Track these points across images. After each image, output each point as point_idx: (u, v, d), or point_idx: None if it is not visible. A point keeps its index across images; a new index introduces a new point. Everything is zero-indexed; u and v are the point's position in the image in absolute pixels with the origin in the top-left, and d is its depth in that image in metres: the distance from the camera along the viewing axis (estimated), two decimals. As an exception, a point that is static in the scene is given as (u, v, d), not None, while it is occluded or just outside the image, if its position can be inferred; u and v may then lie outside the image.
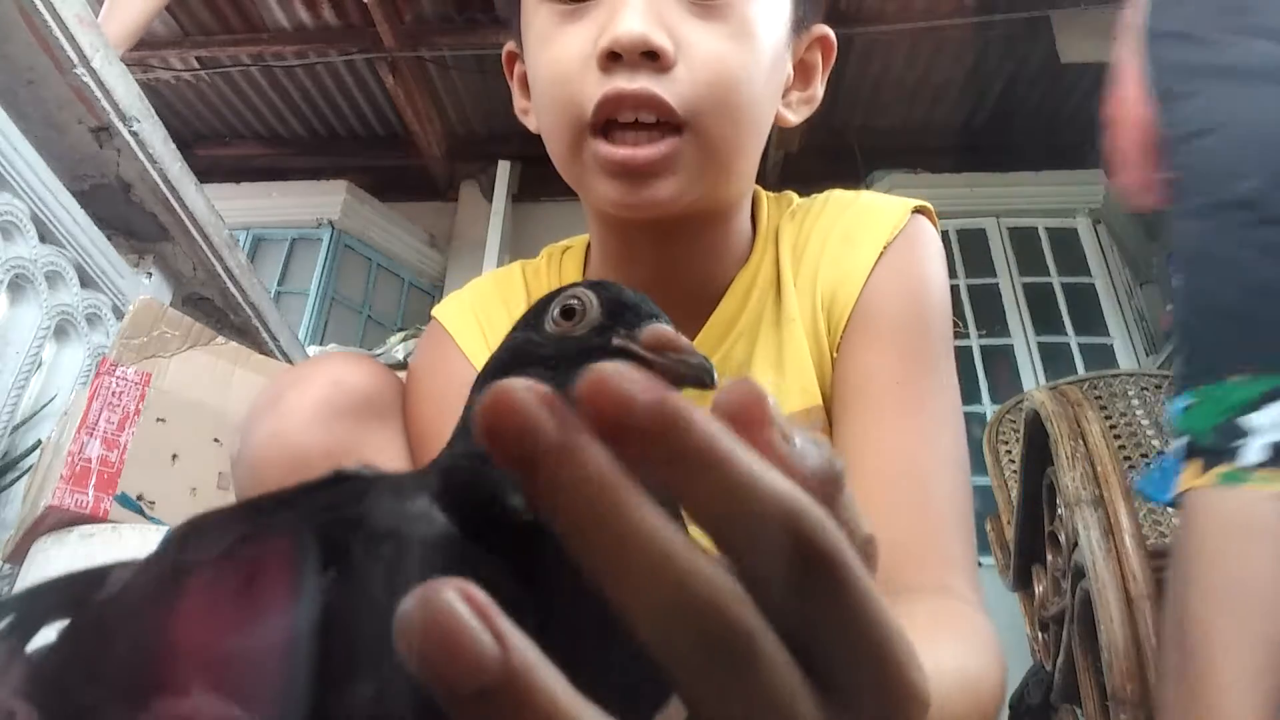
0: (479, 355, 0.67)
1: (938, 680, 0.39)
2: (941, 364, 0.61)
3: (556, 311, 0.29)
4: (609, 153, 0.56)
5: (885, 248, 0.64)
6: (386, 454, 0.66)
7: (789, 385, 0.63)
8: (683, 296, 0.65)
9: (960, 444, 0.59)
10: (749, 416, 0.19)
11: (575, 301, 0.29)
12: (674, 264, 0.64)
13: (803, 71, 0.67)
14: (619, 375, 0.18)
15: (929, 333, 0.62)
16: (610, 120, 0.57)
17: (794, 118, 0.66)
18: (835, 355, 0.63)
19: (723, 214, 0.64)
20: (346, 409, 0.64)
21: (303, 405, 0.63)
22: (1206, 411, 0.84)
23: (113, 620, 0.23)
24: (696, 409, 0.18)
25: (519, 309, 0.70)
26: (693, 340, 0.64)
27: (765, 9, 0.60)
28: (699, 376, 0.25)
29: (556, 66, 0.58)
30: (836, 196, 0.70)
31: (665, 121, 0.56)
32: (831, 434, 0.62)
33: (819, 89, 0.68)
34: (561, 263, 0.73)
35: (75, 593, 0.24)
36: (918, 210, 0.66)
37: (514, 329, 0.32)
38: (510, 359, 0.30)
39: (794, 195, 0.72)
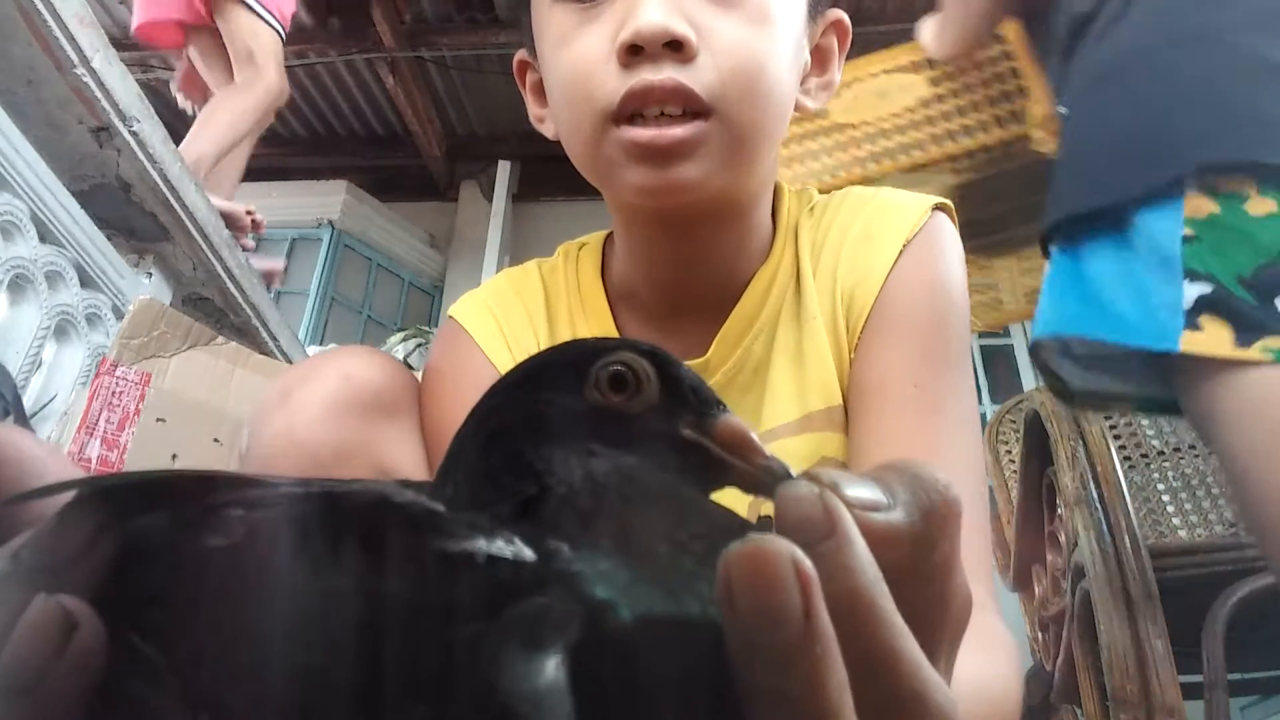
0: (499, 354, 0.67)
1: (958, 693, 0.39)
2: (959, 366, 0.61)
3: (604, 379, 0.25)
4: (636, 134, 0.55)
5: (905, 246, 0.63)
6: (399, 451, 0.65)
7: (810, 383, 0.63)
8: (704, 292, 0.65)
9: (977, 448, 0.59)
10: (831, 517, 0.18)
11: (628, 372, 0.25)
12: (697, 260, 0.64)
13: (819, 57, 0.67)
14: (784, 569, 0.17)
15: (948, 334, 0.61)
16: (635, 114, 0.56)
17: (813, 104, 0.66)
18: (853, 355, 0.62)
19: (745, 207, 0.64)
20: (357, 404, 0.63)
21: (313, 401, 0.63)
22: (1230, 250, 0.72)
23: (219, 580, 0.20)
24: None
25: (537, 308, 0.70)
26: (713, 338, 0.64)
27: None
28: (775, 488, 0.22)
29: (576, 65, 0.58)
30: (856, 193, 0.69)
31: (691, 110, 0.56)
32: (847, 434, 0.61)
33: (836, 74, 0.67)
34: (579, 261, 0.72)
35: (186, 504, 0.21)
36: (937, 207, 0.66)
37: (531, 377, 0.26)
38: (549, 429, 0.25)
39: (814, 191, 0.71)
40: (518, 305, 0.70)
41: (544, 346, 0.70)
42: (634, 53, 0.55)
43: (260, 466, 0.64)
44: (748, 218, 0.65)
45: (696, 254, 0.64)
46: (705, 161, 0.56)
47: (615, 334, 0.66)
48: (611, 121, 0.57)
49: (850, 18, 0.67)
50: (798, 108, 0.64)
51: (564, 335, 0.68)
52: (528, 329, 0.69)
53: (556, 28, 0.60)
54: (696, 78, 0.55)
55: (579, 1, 0.58)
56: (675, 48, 0.54)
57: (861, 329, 0.62)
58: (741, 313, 0.64)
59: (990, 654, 0.45)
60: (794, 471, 0.23)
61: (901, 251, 0.62)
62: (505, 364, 0.66)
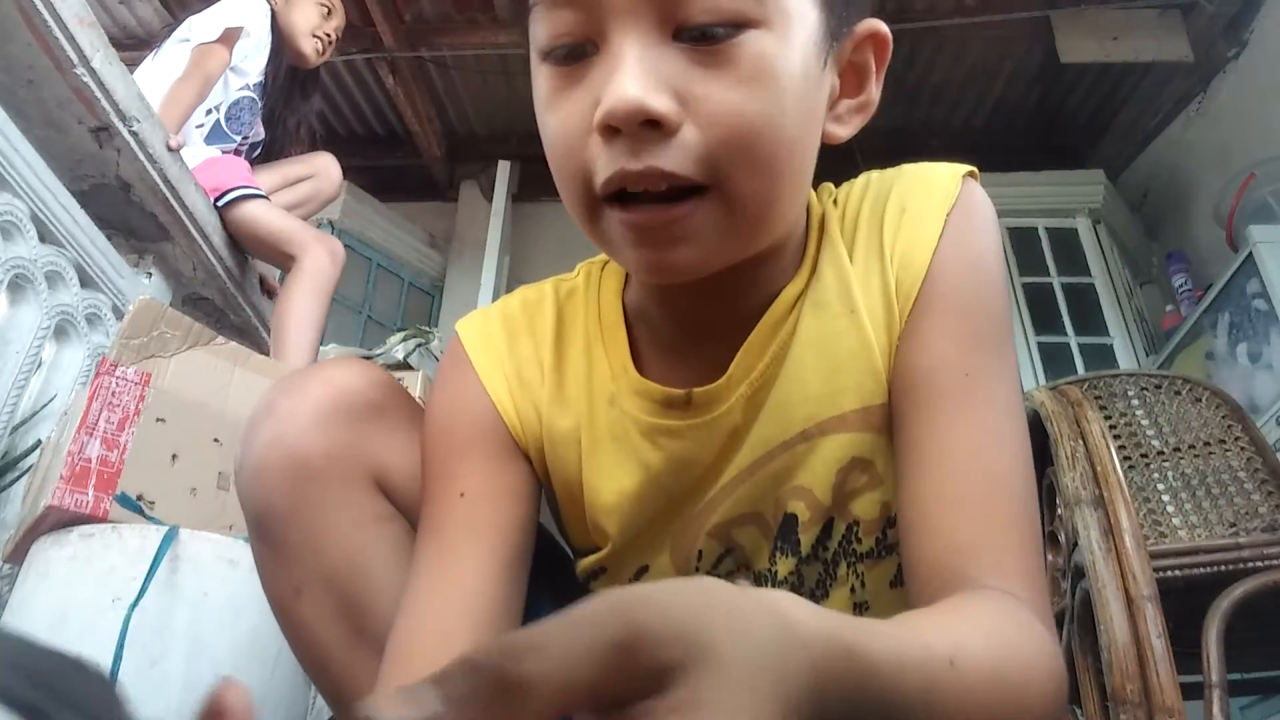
0: (499, 391, 0.65)
1: (954, 661, 0.38)
2: (1005, 347, 0.59)
3: None
4: (627, 218, 0.52)
5: (946, 220, 0.59)
6: (388, 452, 0.66)
7: (845, 382, 0.60)
8: (726, 320, 0.62)
9: (1024, 434, 0.57)
10: None
11: None
12: (717, 301, 0.61)
13: (853, 76, 0.60)
14: None
15: (994, 314, 0.58)
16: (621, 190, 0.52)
17: (845, 131, 0.59)
18: (899, 341, 0.59)
19: (768, 253, 0.60)
20: (344, 410, 0.64)
21: (300, 409, 0.64)
22: None
23: None
24: None
25: (546, 337, 0.67)
26: (734, 356, 0.61)
27: (781, 39, 0.52)
28: None
29: (559, 138, 0.54)
30: (877, 174, 0.66)
31: (681, 186, 0.51)
32: (894, 425, 0.59)
33: (874, 92, 0.60)
34: (600, 285, 0.68)
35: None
36: (967, 174, 0.62)
37: None
38: None
39: (831, 185, 0.67)
40: (527, 338, 0.68)
41: (549, 377, 0.68)
42: (612, 132, 0.50)
43: (252, 478, 0.64)
44: (773, 257, 0.61)
45: (717, 297, 0.60)
46: (704, 241, 0.52)
47: (630, 360, 0.64)
48: (600, 201, 0.53)
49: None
50: (827, 138, 0.58)
51: (576, 363, 0.66)
52: (534, 361, 0.67)
53: (542, 86, 0.55)
54: (678, 158, 0.50)
55: (558, 65, 0.53)
56: (654, 125, 0.49)
57: (910, 311, 0.59)
58: (767, 324, 0.61)
59: (1010, 639, 0.44)
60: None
61: (944, 227, 0.59)
62: (503, 398, 0.65)
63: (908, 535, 0.55)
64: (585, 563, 0.69)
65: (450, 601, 0.58)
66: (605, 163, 0.51)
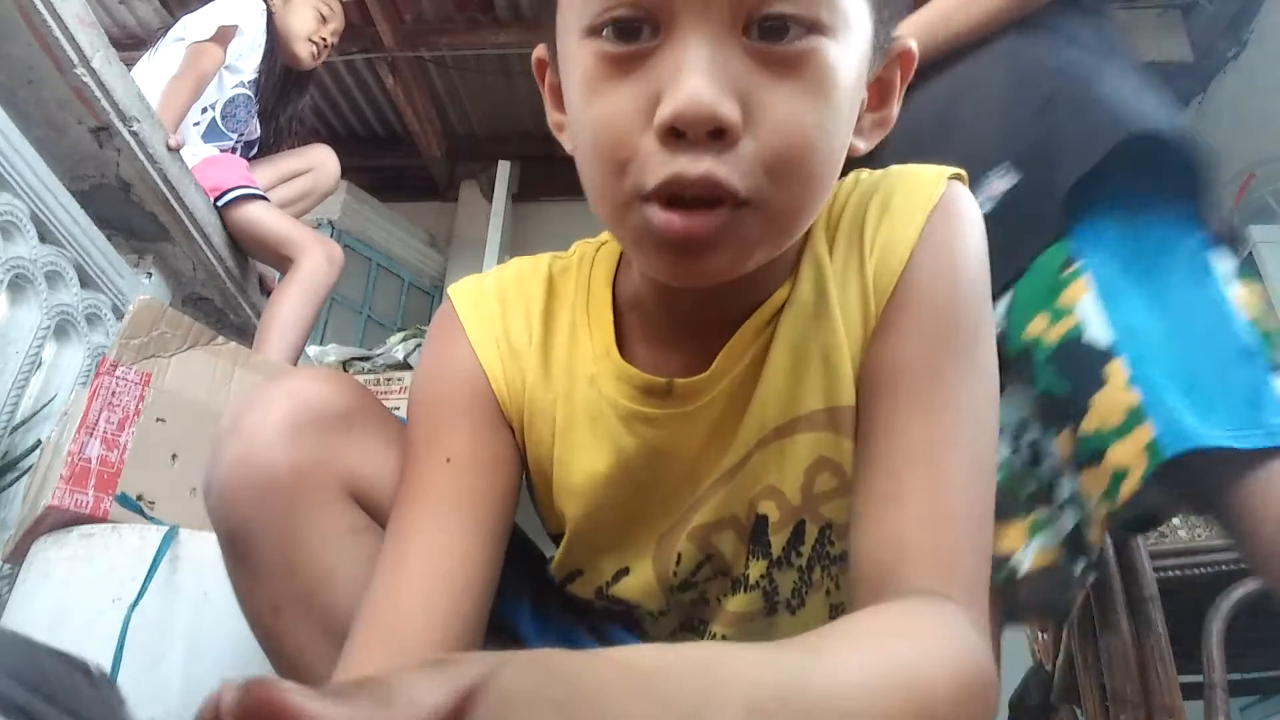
0: (489, 357, 0.64)
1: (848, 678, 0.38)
2: (979, 350, 0.58)
3: None
4: (666, 221, 0.49)
5: (927, 220, 0.59)
6: (360, 460, 0.65)
7: (811, 384, 0.60)
8: (720, 316, 0.62)
9: (989, 440, 0.56)
10: None
11: None
12: (717, 299, 0.60)
13: (878, 90, 0.58)
14: None
15: (968, 316, 0.58)
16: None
17: (865, 145, 0.58)
18: (871, 337, 0.59)
19: (776, 259, 0.59)
20: (311, 421, 0.63)
21: (265, 425, 0.62)
22: None
23: None
24: None
25: (535, 310, 0.66)
26: (718, 351, 0.61)
27: (844, 51, 0.50)
28: None
29: (606, 130, 0.50)
30: (866, 173, 0.65)
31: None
32: (858, 421, 0.59)
33: (894, 108, 0.59)
34: (592, 268, 0.67)
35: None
36: (952, 177, 0.62)
37: None
38: None
39: None
40: (519, 308, 0.67)
41: (536, 350, 0.67)
42: (675, 134, 0.47)
43: (220, 499, 0.63)
44: (776, 262, 0.60)
45: (715, 297, 0.59)
46: (737, 249, 0.51)
47: (615, 345, 0.64)
48: (639, 199, 0.50)
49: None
50: (849, 151, 0.57)
51: (561, 340, 0.66)
52: (524, 331, 0.66)
53: (585, 69, 0.51)
54: (734, 168, 0.48)
55: (613, 43, 0.49)
56: (718, 135, 0.47)
57: (884, 309, 0.59)
58: (753, 324, 0.61)
59: (916, 646, 0.44)
60: None
61: (924, 226, 0.59)
62: (493, 365, 0.64)
63: (854, 528, 0.55)
64: (561, 563, 0.69)
65: (431, 567, 0.57)
66: (660, 163, 0.48)
